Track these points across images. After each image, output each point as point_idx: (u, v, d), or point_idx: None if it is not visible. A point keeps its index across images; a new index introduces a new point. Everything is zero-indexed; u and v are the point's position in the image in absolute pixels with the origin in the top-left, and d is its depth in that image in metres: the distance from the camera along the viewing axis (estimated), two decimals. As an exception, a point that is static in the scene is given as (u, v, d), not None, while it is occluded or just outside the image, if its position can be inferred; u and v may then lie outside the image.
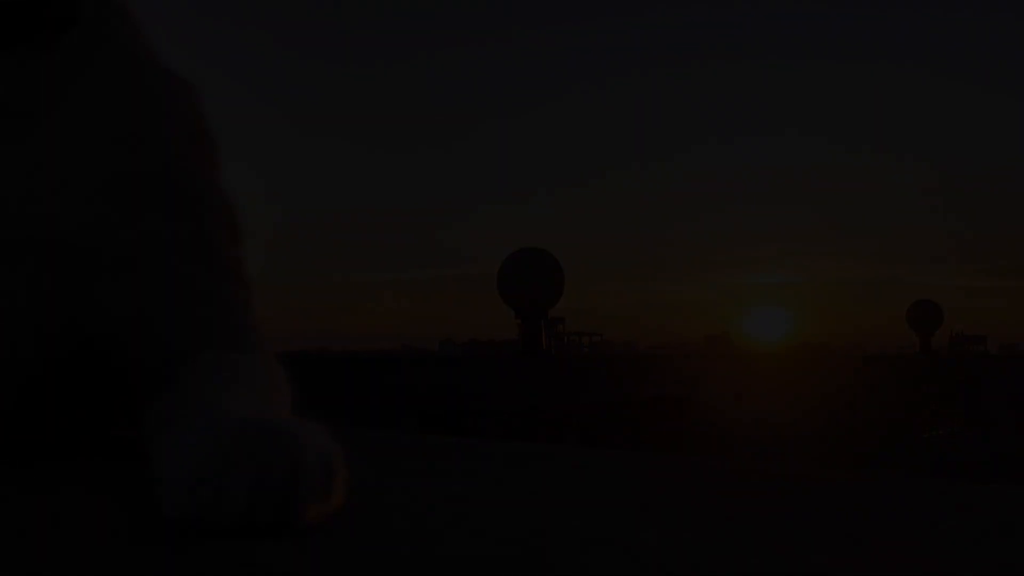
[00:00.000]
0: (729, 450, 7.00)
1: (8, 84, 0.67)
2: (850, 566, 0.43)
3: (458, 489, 0.66)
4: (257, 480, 0.47)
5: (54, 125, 0.68)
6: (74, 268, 0.67)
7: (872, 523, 0.55)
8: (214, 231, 0.73)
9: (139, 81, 0.72)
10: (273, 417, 0.53)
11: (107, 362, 0.71)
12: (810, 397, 7.06)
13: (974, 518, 0.59)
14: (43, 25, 0.66)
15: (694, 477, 0.75)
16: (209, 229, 0.72)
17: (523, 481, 0.72)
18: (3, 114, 0.67)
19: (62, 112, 0.69)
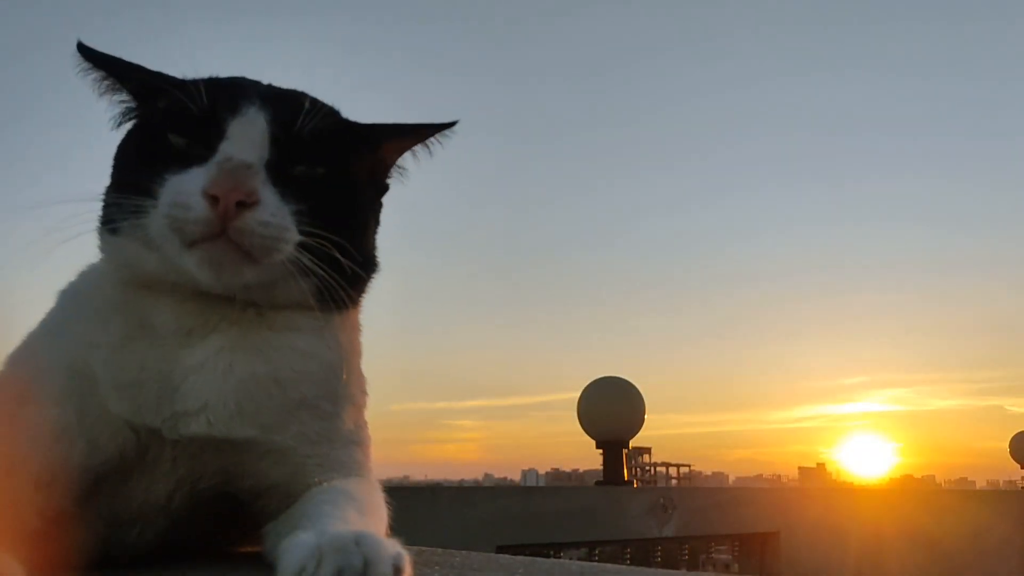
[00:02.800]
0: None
1: (280, 311, 0.92)
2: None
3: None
4: (339, 570, 0.69)
5: (284, 356, 0.91)
6: (240, 452, 0.90)
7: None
8: (347, 420, 0.96)
9: (347, 341, 0.98)
10: (361, 529, 0.74)
11: (246, 509, 0.94)
12: (923, 536, 6.55)
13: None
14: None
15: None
16: (344, 419, 0.96)
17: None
18: (259, 328, 0.92)
19: (292, 349, 0.92)
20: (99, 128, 1.00)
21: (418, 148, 1.02)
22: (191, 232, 0.83)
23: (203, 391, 0.87)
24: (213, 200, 0.82)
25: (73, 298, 0.97)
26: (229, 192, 0.82)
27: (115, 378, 0.87)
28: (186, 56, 0.99)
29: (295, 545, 0.72)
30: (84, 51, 0.96)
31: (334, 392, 0.95)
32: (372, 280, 1.00)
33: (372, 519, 0.88)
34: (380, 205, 1.04)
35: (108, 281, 0.95)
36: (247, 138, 0.88)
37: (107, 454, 0.87)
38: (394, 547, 0.72)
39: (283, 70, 1.02)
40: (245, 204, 0.83)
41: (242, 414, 0.88)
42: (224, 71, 0.99)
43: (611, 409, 7.07)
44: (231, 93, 0.92)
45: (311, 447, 0.92)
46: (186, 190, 0.84)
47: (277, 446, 0.90)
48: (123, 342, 0.89)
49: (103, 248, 0.95)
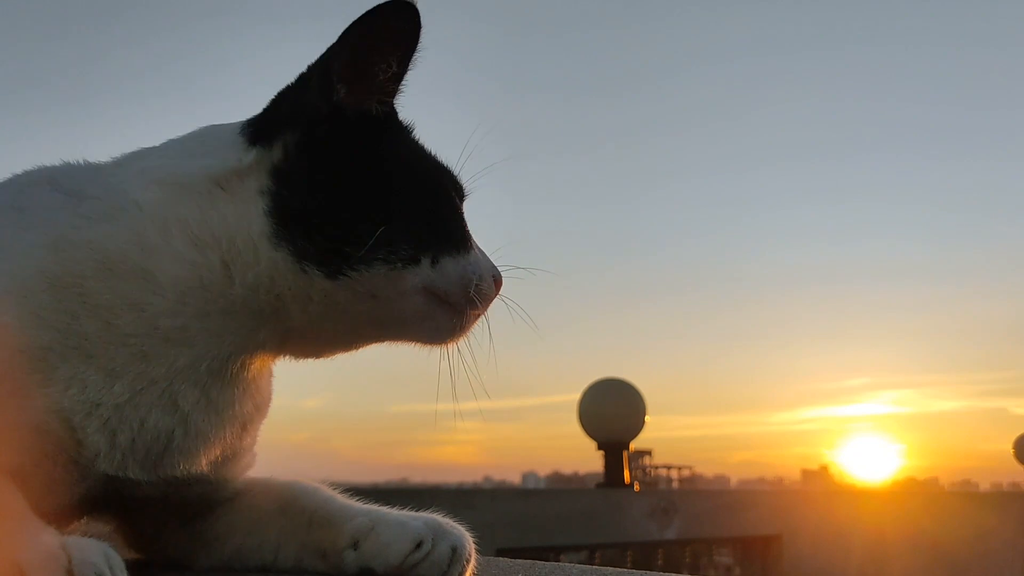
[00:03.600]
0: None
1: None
2: None
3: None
4: (452, 548, 0.84)
5: (245, 408, 0.92)
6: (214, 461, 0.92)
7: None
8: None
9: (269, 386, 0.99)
10: (448, 519, 0.89)
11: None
12: (926, 538, 6.52)
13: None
14: None
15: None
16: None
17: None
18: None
19: (250, 399, 0.93)
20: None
21: None
22: (479, 305, 0.93)
23: (194, 452, 0.88)
24: (496, 286, 0.95)
25: (65, 277, 0.83)
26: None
27: (109, 441, 0.82)
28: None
29: (393, 525, 0.86)
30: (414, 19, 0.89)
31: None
32: None
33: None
34: None
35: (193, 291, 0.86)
36: None
37: (67, 496, 0.83)
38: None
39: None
40: None
41: (210, 458, 0.90)
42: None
43: (612, 411, 7.05)
44: None
45: (246, 453, 0.97)
46: (488, 268, 0.94)
47: (233, 452, 0.94)
48: (133, 397, 0.83)
49: (292, 288, 0.86)
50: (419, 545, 0.84)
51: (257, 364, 0.91)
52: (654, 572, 1.05)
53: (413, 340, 0.93)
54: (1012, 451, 9.21)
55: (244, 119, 0.93)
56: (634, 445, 7.42)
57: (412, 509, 0.91)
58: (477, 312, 0.92)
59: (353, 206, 0.85)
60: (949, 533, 6.71)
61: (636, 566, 5.76)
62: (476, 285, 0.90)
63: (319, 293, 0.85)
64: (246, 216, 0.85)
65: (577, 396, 7.07)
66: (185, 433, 0.85)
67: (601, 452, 7.06)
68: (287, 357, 0.95)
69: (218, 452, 0.90)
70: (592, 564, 5.62)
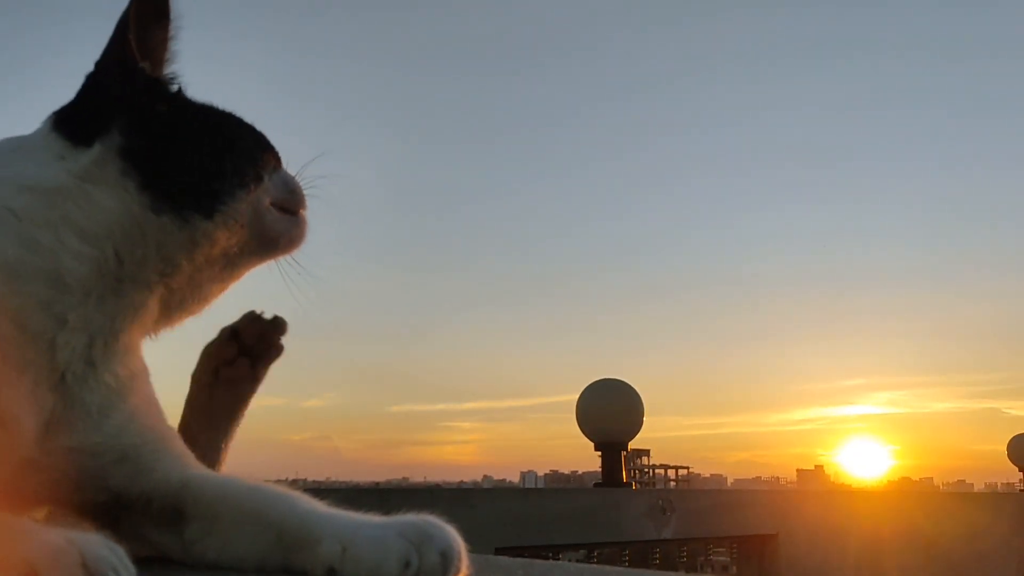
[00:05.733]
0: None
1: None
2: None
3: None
4: (441, 553, 0.77)
5: (130, 405, 0.93)
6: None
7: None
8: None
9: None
10: (415, 514, 0.82)
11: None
12: (921, 538, 6.56)
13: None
14: None
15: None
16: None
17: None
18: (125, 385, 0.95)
19: (126, 367, 0.94)
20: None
21: None
22: (305, 206, 1.08)
23: (74, 421, 0.88)
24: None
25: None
26: None
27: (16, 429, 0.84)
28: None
29: (371, 544, 0.78)
30: None
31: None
32: None
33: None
34: None
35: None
36: None
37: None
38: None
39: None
40: None
41: (102, 430, 0.90)
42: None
43: (610, 411, 7.06)
44: None
45: (152, 445, 0.95)
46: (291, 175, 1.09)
47: (123, 449, 0.92)
48: (36, 386, 0.85)
49: (191, 234, 0.95)
50: (407, 564, 0.76)
51: (138, 335, 0.97)
52: (651, 571, 1.07)
53: (272, 256, 1.06)
54: (1006, 451, 9.25)
55: (50, 117, 0.96)
56: (632, 445, 7.43)
57: (413, 509, 0.85)
58: (306, 214, 1.06)
59: (203, 150, 0.97)
60: (944, 532, 6.74)
61: (633, 565, 5.78)
62: (301, 189, 1.06)
63: (202, 236, 0.94)
64: (123, 199, 0.91)
65: (575, 396, 7.08)
66: (64, 404, 0.87)
67: (599, 452, 7.07)
68: (167, 323, 1.01)
69: (103, 420, 0.90)
70: (590, 563, 5.65)
